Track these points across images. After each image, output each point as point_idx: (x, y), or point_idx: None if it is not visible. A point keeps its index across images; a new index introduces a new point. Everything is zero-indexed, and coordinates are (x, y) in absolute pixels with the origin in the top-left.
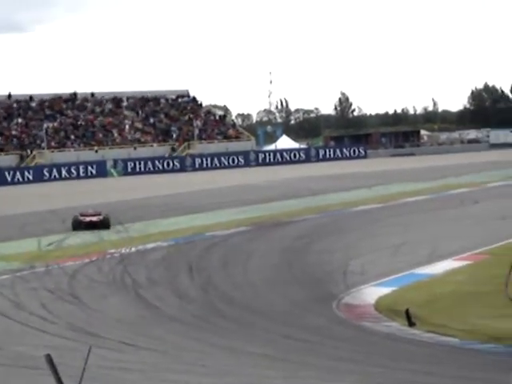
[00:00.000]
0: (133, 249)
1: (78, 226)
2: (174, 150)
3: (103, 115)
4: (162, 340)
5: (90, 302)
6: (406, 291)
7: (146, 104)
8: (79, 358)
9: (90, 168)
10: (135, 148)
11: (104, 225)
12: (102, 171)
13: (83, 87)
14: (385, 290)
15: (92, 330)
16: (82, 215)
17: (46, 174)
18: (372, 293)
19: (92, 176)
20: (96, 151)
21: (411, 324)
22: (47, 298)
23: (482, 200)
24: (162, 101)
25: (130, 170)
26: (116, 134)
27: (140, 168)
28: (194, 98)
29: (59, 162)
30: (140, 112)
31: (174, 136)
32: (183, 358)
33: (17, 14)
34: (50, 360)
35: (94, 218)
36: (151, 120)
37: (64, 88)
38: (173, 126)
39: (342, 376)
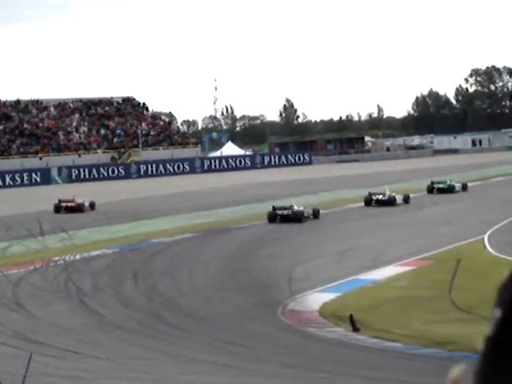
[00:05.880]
0: (77, 256)
1: (59, 209)
2: (114, 158)
3: (48, 121)
4: (106, 347)
5: (34, 309)
6: (350, 297)
7: (91, 109)
8: (21, 366)
9: (34, 175)
10: (80, 155)
11: (79, 209)
12: (46, 178)
13: (27, 94)
14: (329, 296)
15: (36, 338)
16: (60, 201)
17: None
18: (317, 299)
19: (36, 183)
20: (40, 158)
21: (355, 329)
22: None
23: (426, 206)
24: (108, 106)
25: (74, 177)
26: (61, 140)
27: (85, 175)
28: (139, 104)
29: (3, 169)
30: (85, 117)
31: (119, 142)
32: (127, 365)
33: None
34: None
35: (71, 204)
36: (96, 126)
37: (7, 95)
38: (118, 131)
39: (286, 381)
